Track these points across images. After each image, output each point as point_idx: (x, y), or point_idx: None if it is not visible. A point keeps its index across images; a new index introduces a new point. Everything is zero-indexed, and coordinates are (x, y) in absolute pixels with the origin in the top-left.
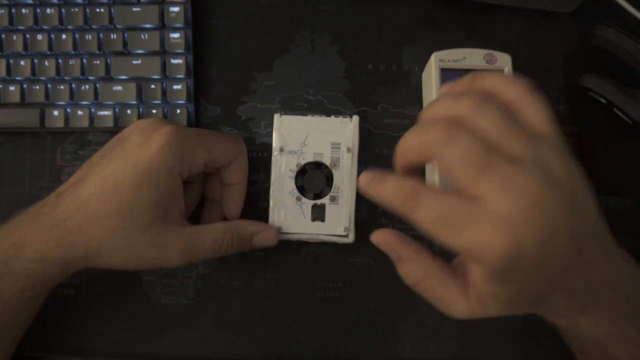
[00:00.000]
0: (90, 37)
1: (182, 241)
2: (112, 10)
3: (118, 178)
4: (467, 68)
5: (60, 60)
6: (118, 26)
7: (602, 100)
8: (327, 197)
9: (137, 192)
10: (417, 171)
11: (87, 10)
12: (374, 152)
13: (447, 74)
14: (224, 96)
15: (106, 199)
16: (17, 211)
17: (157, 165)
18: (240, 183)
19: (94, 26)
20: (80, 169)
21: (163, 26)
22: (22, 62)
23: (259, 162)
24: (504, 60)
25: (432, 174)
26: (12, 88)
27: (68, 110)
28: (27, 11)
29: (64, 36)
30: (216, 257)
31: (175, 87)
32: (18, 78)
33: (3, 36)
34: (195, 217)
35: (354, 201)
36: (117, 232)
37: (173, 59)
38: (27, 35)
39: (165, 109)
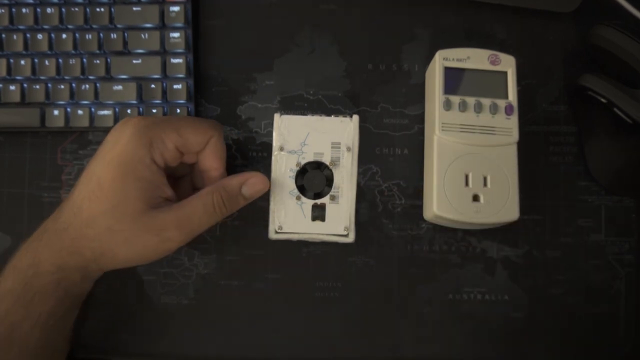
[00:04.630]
0: (90, 36)
1: (174, 217)
2: (113, 9)
3: (100, 177)
4: (470, 68)
5: (60, 60)
6: (118, 26)
7: (602, 100)
8: (327, 196)
9: (119, 186)
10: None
11: (88, 9)
12: (374, 152)
13: (451, 73)
14: (224, 96)
15: (94, 200)
16: (17, 211)
17: (129, 157)
18: (217, 168)
19: (94, 26)
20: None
21: (163, 26)
22: (22, 62)
23: (259, 162)
24: (508, 62)
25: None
26: (12, 87)
27: (68, 109)
28: (28, 11)
29: (64, 36)
30: (216, 222)
31: (175, 86)
32: (18, 77)
33: (3, 36)
34: None
35: (354, 201)
36: (112, 227)
37: (173, 58)
38: (28, 35)
39: (165, 109)
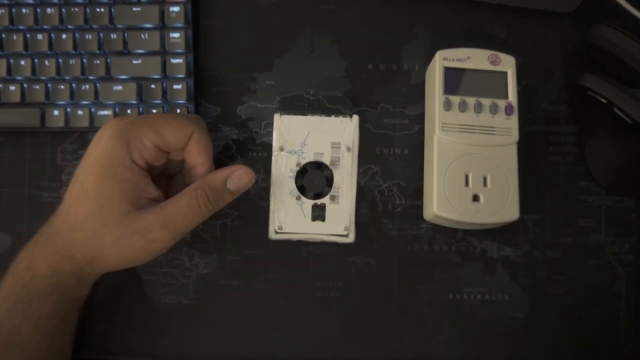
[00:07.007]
0: (90, 36)
1: (159, 218)
2: (113, 10)
3: (83, 181)
4: (470, 68)
5: (60, 60)
6: (118, 26)
7: (602, 100)
8: (328, 196)
9: (101, 189)
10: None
11: (88, 10)
12: (374, 152)
13: (451, 73)
14: (224, 96)
15: (80, 204)
16: (17, 211)
17: (108, 159)
18: (203, 164)
19: (94, 26)
20: None
21: (163, 26)
22: (22, 62)
23: (259, 162)
24: (508, 62)
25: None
26: (12, 88)
27: (68, 110)
28: (28, 11)
29: (64, 36)
30: (203, 219)
31: (175, 86)
32: (18, 78)
33: (3, 36)
34: None
35: (354, 201)
36: (99, 231)
37: (173, 58)
38: (28, 35)
39: (165, 109)
